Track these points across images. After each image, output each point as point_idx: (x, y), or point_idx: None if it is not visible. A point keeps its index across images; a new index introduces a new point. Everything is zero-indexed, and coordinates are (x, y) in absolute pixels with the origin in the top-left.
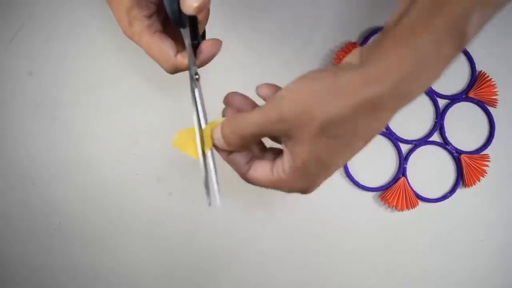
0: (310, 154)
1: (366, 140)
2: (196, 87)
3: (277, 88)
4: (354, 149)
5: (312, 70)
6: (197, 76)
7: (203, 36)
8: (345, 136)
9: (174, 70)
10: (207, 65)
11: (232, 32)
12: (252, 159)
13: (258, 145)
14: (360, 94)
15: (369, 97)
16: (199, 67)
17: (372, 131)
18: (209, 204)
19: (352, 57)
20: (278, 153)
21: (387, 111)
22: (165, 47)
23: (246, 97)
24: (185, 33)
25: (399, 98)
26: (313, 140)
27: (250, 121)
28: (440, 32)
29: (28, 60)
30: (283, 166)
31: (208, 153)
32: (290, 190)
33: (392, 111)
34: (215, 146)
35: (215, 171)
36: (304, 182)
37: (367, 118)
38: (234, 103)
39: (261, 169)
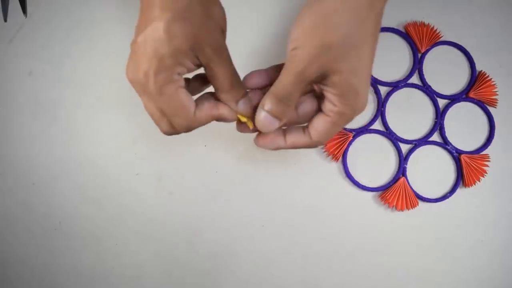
0: (347, 73)
1: (372, 35)
2: None
3: (265, 72)
4: (367, 46)
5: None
6: None
7: None
8: (354, 40)
9: (189, 128)
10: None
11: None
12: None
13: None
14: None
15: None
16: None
17: (369, 23)
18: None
19: None
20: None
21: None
22: (188, 102)
23: (259, 73)
24: None
25: None
26: (340, 61)
27: (284, 84)
28: None
29: (28, 60)
30: (333, 102)
31: None
32: (350, 117)
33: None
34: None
35: None
36: (356, 100)
37: (361, 18)
38: (253, 84)
39: (317, 122)
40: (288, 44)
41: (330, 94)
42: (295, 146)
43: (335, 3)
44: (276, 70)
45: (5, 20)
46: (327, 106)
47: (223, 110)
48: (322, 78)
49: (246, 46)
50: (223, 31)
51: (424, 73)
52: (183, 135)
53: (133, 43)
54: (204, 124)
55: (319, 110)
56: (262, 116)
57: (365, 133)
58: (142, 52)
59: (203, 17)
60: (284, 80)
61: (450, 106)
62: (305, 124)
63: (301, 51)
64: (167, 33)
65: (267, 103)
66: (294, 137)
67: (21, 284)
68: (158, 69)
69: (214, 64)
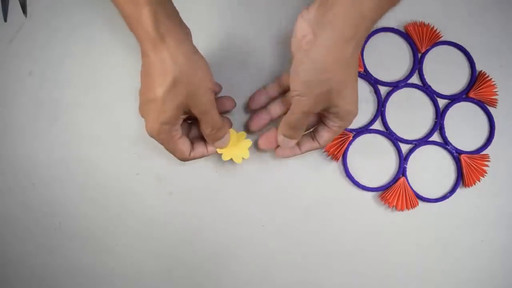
0: (343, 104)
1: (355, 71)
2: None
3: (266, 92)
4: (353, 80)
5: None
6: None
7: None
8: (344, 82)
9: (185, 161)
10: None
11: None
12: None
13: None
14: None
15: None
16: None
17: (352, 66)
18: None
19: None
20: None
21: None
22: (184, 148)
23: (260, 92)
24: None
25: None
26: (336, 99)
27: (294, 118)
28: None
29: (29, 61)
30: (333, 121)
31: None
32: (348, 126)
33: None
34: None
35: None
36: (350, 116)
37: (346, 65)
38: (258, 104)
39: (322, 133)
40: (290, 91)
41: (332, 116)
42: (307, 151)
43: (324, 56)
44: (274, 87)
45: (5, 20)
46: (329, 123)
47: (211, 151)
48: (324, 110)
49: (244, 45)
50: (210, 89)
51: (424, 73)
52: None
53: (141, 95)
54: (198, 158)
55: (320, 122)
56: (280, 138)
57: (365, 133)
58: (146, 115)
59: (191, 85)
60: (293, 115)
61: (450, 106)
62: (310, 131)
63: (305, 98)
64: (163, 105)
65: (282, 130)
66: (307, 146)
67: (21, 284)
68: (159, 132)
69: (199, 120)
